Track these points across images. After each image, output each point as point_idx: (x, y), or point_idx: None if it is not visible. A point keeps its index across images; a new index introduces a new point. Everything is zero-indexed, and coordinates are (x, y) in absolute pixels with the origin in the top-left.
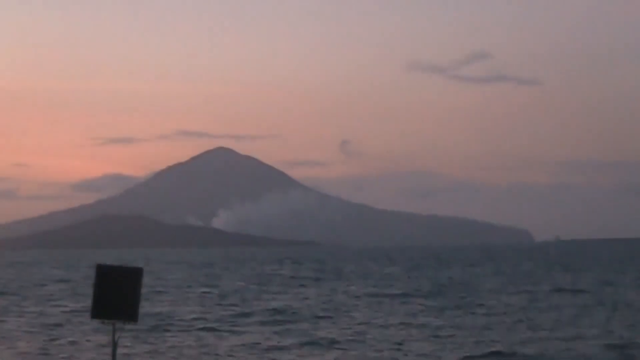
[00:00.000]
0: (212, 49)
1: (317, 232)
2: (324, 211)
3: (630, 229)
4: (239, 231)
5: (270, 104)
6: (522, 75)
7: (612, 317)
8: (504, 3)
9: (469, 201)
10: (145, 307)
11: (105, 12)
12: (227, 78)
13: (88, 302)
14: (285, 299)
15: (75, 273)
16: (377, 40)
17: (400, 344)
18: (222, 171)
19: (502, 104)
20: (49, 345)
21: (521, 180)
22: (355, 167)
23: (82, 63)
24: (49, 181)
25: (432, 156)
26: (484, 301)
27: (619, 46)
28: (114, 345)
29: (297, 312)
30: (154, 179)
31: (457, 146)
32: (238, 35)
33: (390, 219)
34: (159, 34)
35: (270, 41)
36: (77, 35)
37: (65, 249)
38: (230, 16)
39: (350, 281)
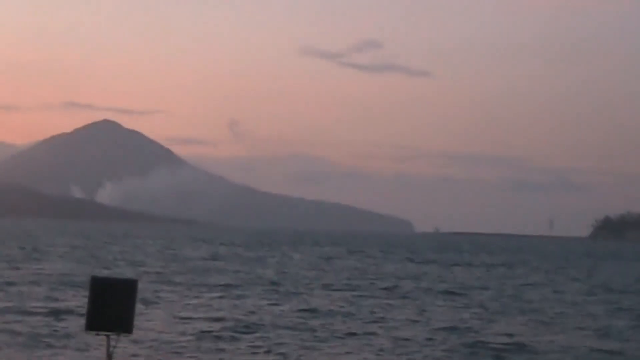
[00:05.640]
0: (103, 20)
1: (200, 212)
2: (208, 191)
3: (510, 225)
4: (122, 206)
5: (158, 80)
6: (412, 66)
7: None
8: None
9: (354, 189)
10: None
11: None
12: (117, 51)
13: None
14: None
15: None
16: (270, 22)
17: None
18: (106, 145)
19: (391, 93)
20: None
21: (406, 171)
22: (243, 148)
23: None
24: None
25: (319, 142)
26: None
27: (509, 40)
28: (109, 357)
29: None
30: (35, 148)
31: (345, 133)
32: (131, 8)
33: (274, 202)
34: (52, 3)
35: (162, 15)
36: None
37: None
38: None
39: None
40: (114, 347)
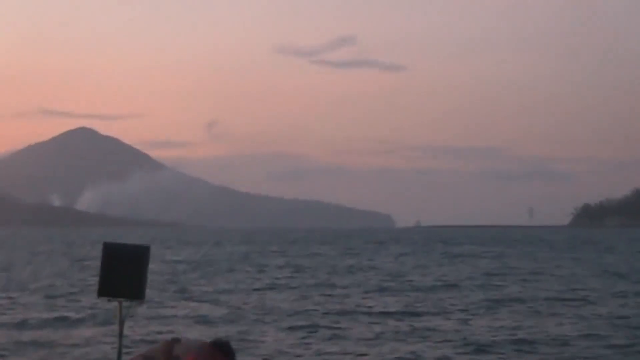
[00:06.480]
0: (75, 27)
1: (180, 214)
2: (188, 193)
3: (490, 216)
4: (103, 212)
5: (133, 84)
6: (387, 60)
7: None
8: None
9: (334, 185)
10: None
11: None
12: (89, 57)
13: None
14: None
15: None
16: (244, 22)
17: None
18: (84, 152)
19: (367, 88)
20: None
21: (385, 166)
22: (221, 149)
23: None
24: None
25: (297, 140)
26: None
27: (482, 31)
28: (121, 323)
29: None
30: (12, 157)
31: (322, 130)
32: (103, 13)
33: (254, 202)
34: (22, 11)
35: (135, 19)
36: None
37: None
38: None
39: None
40: (126, 313)
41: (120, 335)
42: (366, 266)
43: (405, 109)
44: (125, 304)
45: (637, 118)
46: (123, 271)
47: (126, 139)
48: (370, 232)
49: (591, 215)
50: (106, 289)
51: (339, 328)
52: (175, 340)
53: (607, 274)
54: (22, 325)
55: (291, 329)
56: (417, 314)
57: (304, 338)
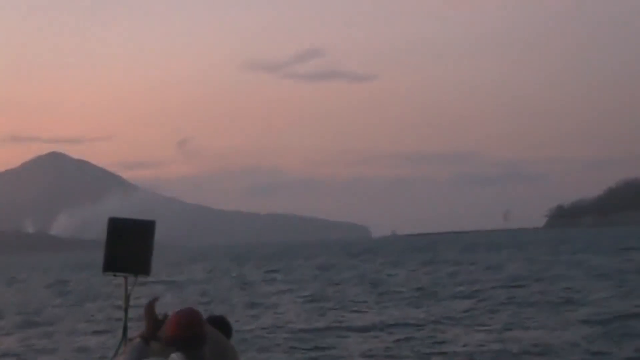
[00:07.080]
0: (40, 52)
1: (157, 234)
2: (162, 213)
3: (466, 222)
4: (77, 235)
5: (101, 106)
6: (356, 71)
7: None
8: (335, 0)
9: (308, 198)
10: None
11: None
12: (56, 82)
13: None
14: None
15: None
16: (211, 39)
17: None
18: (56, 176)
19: (338, 99)
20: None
21: (359, 176)
22: (193, 167)
23: None
24: None
25: (270, 154)
26: None
27: (449, 40)
28: (126, 299)
29: None
30: None
31: (294, 143)
32: (69, 35)
33: (229, 218)
34: None
35: (101, 41)
36: None
37: None
38: (65, 14)
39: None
40: (132, 288)
41: (126, 311)
42: (347, 278)
43: (377, 118)
44: (131, 279)
45: (607, 117)
46: (128, 246)
47: (98, 162)
48: (347, 244)
49: (566, 216)
50: (111, 265)
51: (323, 343)
52: (156, 299)
53: (593, 275)
54: None
55: (275, 346)
56: (402, 325)
57: (288, 354)
